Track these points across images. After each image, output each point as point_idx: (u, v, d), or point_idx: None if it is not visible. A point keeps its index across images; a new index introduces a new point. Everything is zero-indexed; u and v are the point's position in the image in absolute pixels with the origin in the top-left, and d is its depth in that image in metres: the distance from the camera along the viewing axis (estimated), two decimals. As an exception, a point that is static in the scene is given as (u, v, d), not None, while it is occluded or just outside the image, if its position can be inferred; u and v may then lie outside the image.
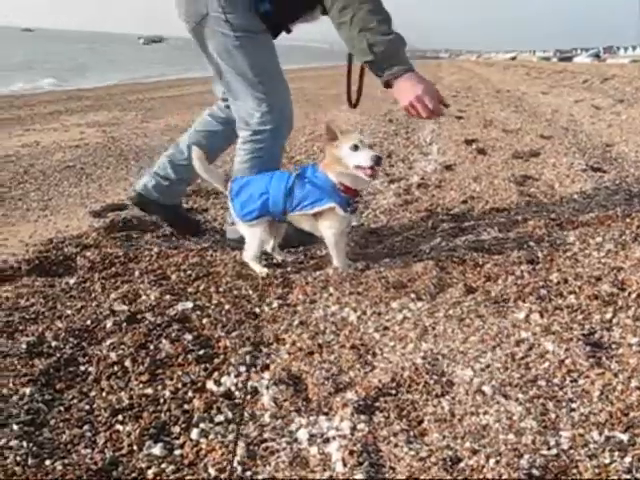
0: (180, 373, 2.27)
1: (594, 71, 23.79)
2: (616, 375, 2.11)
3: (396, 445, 1.82)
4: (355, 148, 2.92)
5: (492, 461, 1.71)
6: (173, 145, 3.72)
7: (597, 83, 17.09)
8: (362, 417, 1.95)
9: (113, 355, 2.37)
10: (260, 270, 3.18)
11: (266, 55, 3.28)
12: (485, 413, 1.95)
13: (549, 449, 1.77)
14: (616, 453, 1.74)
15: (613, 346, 2.31)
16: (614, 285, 2.78)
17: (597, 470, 1.68)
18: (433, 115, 3.00)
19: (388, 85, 2.99)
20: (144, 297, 2.88)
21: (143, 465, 1.79)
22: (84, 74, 25.15)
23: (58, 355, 2.37)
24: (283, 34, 3.44)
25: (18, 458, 1.78)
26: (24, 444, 1.84)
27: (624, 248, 3.21)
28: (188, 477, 1.75)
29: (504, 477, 1.64)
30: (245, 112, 3.29)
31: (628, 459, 1.72)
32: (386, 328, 2.55)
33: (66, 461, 1.79)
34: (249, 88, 3.23)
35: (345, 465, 1.75)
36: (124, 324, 2.62)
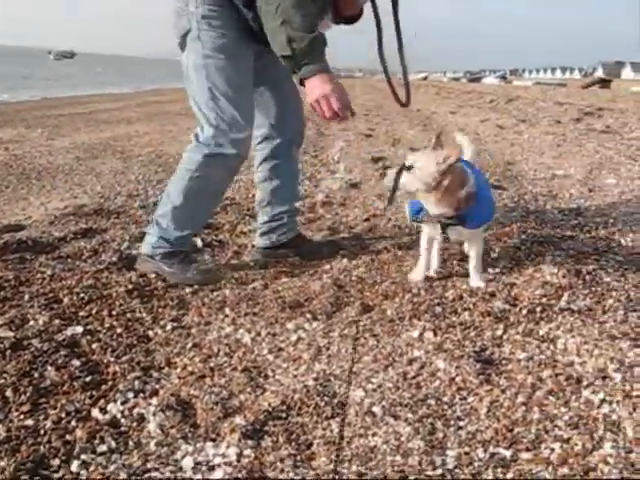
0: (64, 402, 2.16)
1: (500, 92, 24.63)
2: (504, 391, 2.14)
3: (282, 470, 1.78)
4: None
5: (377, 484, 1.69)
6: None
7: (502, 104, 17.70)
8: (249, 442, 1.90)
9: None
10: None
11: (231, 79, 3.08)
12: (374, 435, 1.93)
13: (434, 469, 1.77)
14: (499, 470, 1.76)
15: (503, 362, 2.34)
16: (507, 301, 2.83)
17: (480, 489, 1.68)
18: (336, 117, 2.91)
19: (302, 83, 2.89)
20: (32, 322, 2.75)
21: (17, 503, 1.69)
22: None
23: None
24: None
25: None
26: None
27: (518, 264, 3.28)
28: (64, 516, 1.65)
29: (388, 500, 1.62)
30: (200, 127, 3.17)
31: (510, 475, 1.73)
32: (280, 349, 2.51)
33: None
34: (207, 110, 3.10)
35: (228, 494, 1.69)
36: (8, 351, 2.49)
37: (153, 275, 3.30)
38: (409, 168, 2.83)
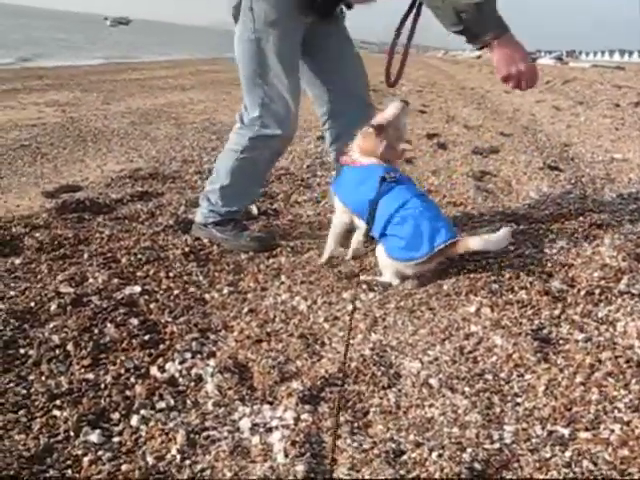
0: (123, 358, 2.22)
1: (556, 73, 24.06)
2: (562, 370, 2.12)
3: (339, 436, 1.80)
4: None
5: (435, 454, 1.70)
6: None
7: (559, 85, 17.30)
8: (307, 407, 1.93)
9: (55, 338, 2.31)
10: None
11: (282, 55, 3.00)
12: (431, 406, 1.94)
13: (492, 443, 1.77)
14: (557, 447, 1.75)
15: (560, 342, 2.32)
16: (564, 282, 2.79)
17: (537, 464, 1.68)
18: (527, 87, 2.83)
19: (486, 46, 2.72)
20: (91, 280, 2.82)
21: (79, 452, 1.74)
22: (50, 53, 24.56)
23: (-3, 336, 2.29)
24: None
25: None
26: (-45, 427, 1.78)
27: (576, 245, 3.23)
28: (124, 465, 1.70)
29: (446, 471, 1.63)
30: (245, 107, 3.16)
31: (568, 453, 1.72)
32: (336, 318, 2.52)
33: (-1, 447, 1.72)
34: (253, 87, 3.06)
35: (287, 456, 1.72)
36: (69, 307, 2.55)
37: (207, 240, 3.34)
38: None
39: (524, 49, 2.76)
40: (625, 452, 1.72)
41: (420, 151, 6.25)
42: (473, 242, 2.74)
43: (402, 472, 1.65)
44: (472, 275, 2.87)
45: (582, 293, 2.68)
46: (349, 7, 3.24)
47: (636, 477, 1.63)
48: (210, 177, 3.45)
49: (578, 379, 2.06)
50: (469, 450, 1.72)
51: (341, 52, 3.29)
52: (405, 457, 1.71)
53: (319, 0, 2.96)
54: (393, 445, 1.76)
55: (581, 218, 3.73)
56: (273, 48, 2.98)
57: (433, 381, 2.06)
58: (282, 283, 2.85)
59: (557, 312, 2.52)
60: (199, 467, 1.70)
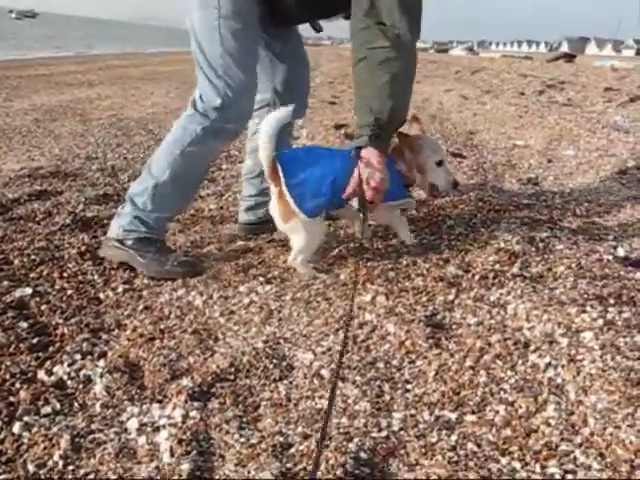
0: (9, 363, 2.12)
1: (466, 63, 24.63)
2: (452, 355, 2.14)
3: (227, 432, 1.77)
4: (439, 164, 2.94)
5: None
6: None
7: (468, 74, 17.69)
8: (196, 404, 1.89)
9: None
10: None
11: (245, 44, 2.80)
12: (321, 397, 1.93)
13: (380, 431, 1.77)
14: (443, 432, 1.77)
15: (453, 326, 2.35)
16: (460, 267, 2.83)
17: (423, 450, 1.69)
18: (373, 195, 2.69)
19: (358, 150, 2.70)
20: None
21: (-46, 466, 1.65)
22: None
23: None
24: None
25: None
26: None
27: (473, 231, 3.29)
28: (3, 476, 1.62)
29: (331, 462, 1.62)
30: (200, 96, 2.82)
31: (454, 437, 1.74)
32: (232, 312, 2.48)
33: None
34: (216, 76, 2.77)
35: (172, 455, 1.68)
36: (-49, 313, 2.43)
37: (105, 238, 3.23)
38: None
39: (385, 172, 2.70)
40: (508, 432, 1.76)
41: (327, 142, 6.25)
42: None
43: (289, 465, 1.63)
44: (369, 264, 2.89)
45: (476, 277, 2.72)
46: (317, 30, 3.17)
47: (516, 455, 1.66)
48: (139, 177, 3.00)
49: (468, 363, 2.09)
50: (356, 440, 1.72)
51: (293, 45, 3.24)
52: (293, 450, 1.70)
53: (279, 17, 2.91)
54: (281, 438, 1.74)
55: (480, 204, 3.81)
56: (238, 36, 2.77)
57: (324, 372, 2.05)
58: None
59: (451, 297, 2.56)
60: (82, 472, 1.64)
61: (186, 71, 16.93)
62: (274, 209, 2.77)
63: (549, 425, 1.77)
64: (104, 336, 2.34)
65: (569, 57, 34.76)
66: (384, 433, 1.76)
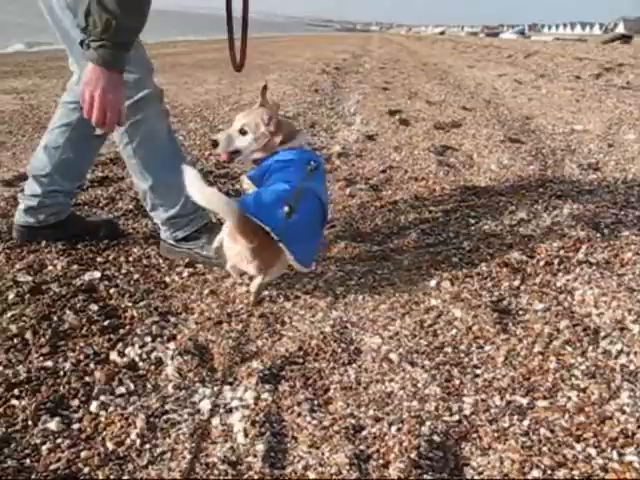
0: (83, 344, 2.18)
1: (518, 47, 24.23)
2: (520, 341, 2.14)
3: (299, 414, 1.79)
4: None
5: (394, 428, 1.70)
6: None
7: (521, 58, 17.41)
8: (267, 386, 1.91)
9: (13, 327, 2.26)
10: None
11: None
12: (391, 381, 1.94)
13: (451, 415, 1.77)
14: (515, 417, 1.76)
15: (520, 312, 2.34)
16: (524, 253, 2.81)
17: (496, 434, 1.69)
18: (97, 117, 2.33)
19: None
20: (50, 267, 2.76)
21: (37, 441, 1.71)
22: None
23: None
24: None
25: None
26: None
27: (535, 217, 3.25)
28: (84, 452, 1.67)
29: (405, 444, 1.63)
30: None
31: (526, 422, 1.74)
32: (297, 297, 2.50)
33: (-45, 439, 1.69)
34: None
35: (246, 436, 1.71)
36: (27, 295, 2.50)
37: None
38: (242, 131, 2.64)
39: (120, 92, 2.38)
40: (581, 418, 1.74)
41: (382, 128, 6.23)
42: None
43: (362, 447, 1.65)
44: (432, 249, 2.88)
45: (541, 264, 2.70)
46: None
47: (591, 442, 1.65)
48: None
49: (537, 349, 2.08)
50: (428, 423, 1.72)
51: None
52: (365, 432, 1.71)
53: None
54: (353, 421, 1.75)
55: (541, 189, 3.77)
56: None
57: (393, 356, 2.06)
58: (242, 263, 2.82)
59: (517, 283, 2.54)
60: (159, 450, 1.68)
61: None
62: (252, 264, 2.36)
63: (624, 412, 1.76)
64: (172, 319, 2.38)
65: (626, 38, 33.93)
66: (456, 417, 1.76)
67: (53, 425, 1.77)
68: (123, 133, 2.71)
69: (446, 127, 6.15)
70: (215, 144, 2.69)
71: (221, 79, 11.14)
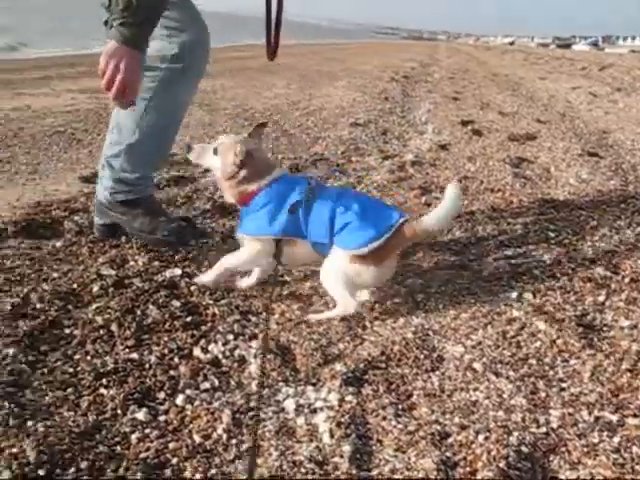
0: (167, 339, 2.23)
1: (592, 59, 23.76)
2: (607, 357, 2.10)
3: (384, 418, 1.80)
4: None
5: (481, 437, 1.69)
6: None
7: (595, 71, 17.08)
8: (350, 389, 1.93)
9: (99, 319, 2.32)
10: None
11: None
12: (475, 389, 1.93)
13: (538, 427, 1.76)
14: (605, 433, 1.73)
15: (605, 328, 2.30)
16: (608, 269, 2.76)
17: (586, 449, 1.67)
18: (116, 94, 2.39)
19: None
20: (132, 263, 2.83)
21: (127, 429, 1.75)
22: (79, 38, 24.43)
23: (43, 317, 2.31)
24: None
25: (-1, 418, 1.74)
26: (6, 404, 1.80)
27: (618, 232, 3.19)
28: (172, 443, 1.71)
29: (493, 453, 1.62)
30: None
31: (617, 439, 1.71)
32: (377, 302, 2.51)
33: (48, 423, 1.74)
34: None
35: (332, 436, 1.72)
36: (111, 289, 2.57)
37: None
38: (215, 152, 2.57)
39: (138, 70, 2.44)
40: (675, 439, 1.70)
41: (455, 137, 6.20)
42: (429, 220, 2.39)
43: (448, 454, 1.65)
44: (512, 261, 2.86)
45: (626, 280, 2.65)
46: None
47: (687, 464, 1.61)
48: (110, 137, 2.98)
49: (624, 366, 2.04)
50: (515, 434, 1.71)
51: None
52: (451, 439, 1.71)
53: None
54: (438, 427, 1.75)
55: (623, 205, 3.70)
56: None
57: (477, 365, 2.05)
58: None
59: (601, 299, 2.50)
60: (245, 446, 1.71)
61: (302, 63, 17.21)
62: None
63: None
64: (253, 319, 2.41)
65: None
66: (543, 429, 1.74)
67: (141, 415, 1.81)
68: (151, 87, 2.79)
69: (520, 139, 6.08)
70: (188, 149, 2.65)
71: (289, 84, 11.26)
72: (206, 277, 2.61)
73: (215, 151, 2.56)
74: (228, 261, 2.57)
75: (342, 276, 2.35)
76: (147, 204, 3.00)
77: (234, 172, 2.50)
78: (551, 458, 1.64)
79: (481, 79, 13.99)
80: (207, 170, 2.78)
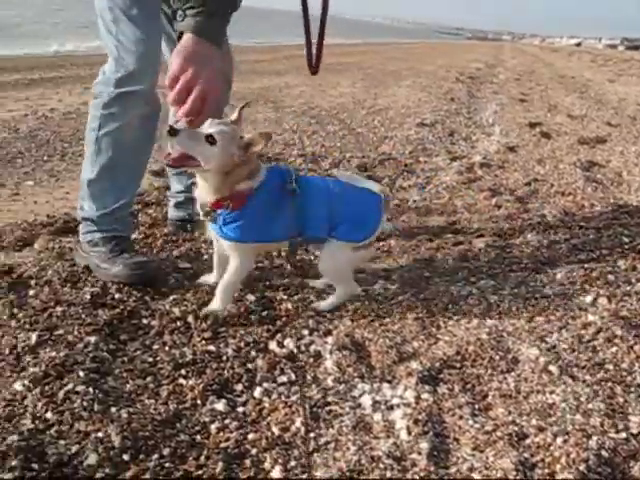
0: (243, 332, 2.28)
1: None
2: (688, 365, 2.06)
3: (461, 417, 1.81)
4: None
5: (560, 439, 1.69)
6: None
7: (665, 73, 16.61)
8: (426, 387, 1.95)
9: (176, 311, 2.39)
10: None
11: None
12: (552, 392, 1.92)
13: (618, 432, 1.74)
14: (690, 441, 1.71)
15: (684, 336, 2.26)
16: (686, 276, 2.71)
17: (670, 458, 1.65)
18: (191, 109, 2.10)
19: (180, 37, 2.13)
20: (205, 257, 2.90)
21: (206, 419, 1.81)
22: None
23: (121, 307, 2.40)
24: None
25: (85, 403, 1.82)
26: (90, 390, 1.88)
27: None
28: (251, 434, 1.76)
29: (572, 456, 1.62)
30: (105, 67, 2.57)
31: (699, 448, 1.68)
32: (451, 302, 2.52)
33: (131, 409, 1.81)
34: (109, 38, 2.50)
35: (410, 433, 1.75)
36: (186, 281, 2.64)
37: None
38: (211, 140, 2.14)
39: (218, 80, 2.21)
40: None
41: (523, 140, 6.14)
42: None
43: (526, 455, 1.65)
44: (586, 265, 2.83)
45: None
46: None
47: None
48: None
49: None
50: (595, 438, 1.70)
51: None
52: (528, 441, 1.71)
53: None
54: (515, 428, 1.76)
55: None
56: None
57: (553, 368, 2.04)
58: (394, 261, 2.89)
59: (681, 306, 2.46)
60: (323, 440, 1.74)
61: (366, 62, 17.20)
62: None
63: None
64: (327, 315, 2.45)
65: None
66: (623, 435, 1.73)
67: (221, 406, 1.87)
68: (97, 116, 2.59)
69: (590, 142, 5.99)
70: (174, 132, 2.11)
71: (354, 83, 11.30)
72: (214, 305, 2.41)
73: (210, 139, 2.13)
74: (228, 282, 2.39)
75: (346, 265, 2.46)
76: (114, 242, 2.67)
77: (233, 167, 2.21)
78: (631, 464, 1.63)
79: (548, 81, 13.76)
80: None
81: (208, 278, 2.63)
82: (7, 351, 2.06)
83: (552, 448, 1.67)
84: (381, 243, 3.13)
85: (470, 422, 1.79)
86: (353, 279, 2.52)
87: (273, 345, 2.21)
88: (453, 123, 7.08)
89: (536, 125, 6.99)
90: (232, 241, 2.32)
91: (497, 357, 2.11)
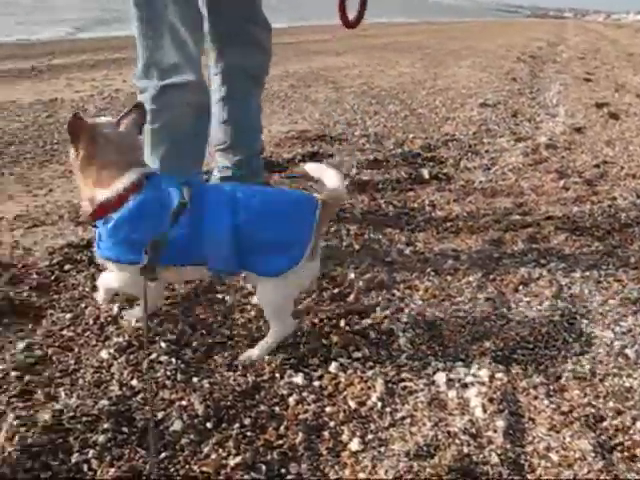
0: (316, 309, 2.30)
1: None
2: None
3: (535, 397, 1.82)
4: None
5: (639, 423, 1.69)
6: None
7: None
8: (500, 367, 1.95)
9: (249, 286, 2.42)
10: None
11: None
12: (629, 376, 1.92)
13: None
14: None
15: None
16: None
17: None
18: None
19: None
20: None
21: (284, 392, 1.85)
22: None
23: (197, 282, 2.44)
24: None
25: (168, 373, 1.88)
26: (173, 360, 1.94)
27: None
28: (328, 407, 1.79)
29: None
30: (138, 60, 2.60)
31: None
32: (521, 283, 2.51)
33: (212, 380, 1.87)
34: (140, 36, 2.53)
35: (485, 411, 1.76)
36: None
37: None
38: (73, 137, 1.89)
39: None
40: None
41: (589, 121, 6.01)
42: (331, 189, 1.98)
43: (604, 437, 1.65)
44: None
45: None
46: None
47: None
48: None
49: None
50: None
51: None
52: (606, 423, 1.71)
53: None
54: (592, 410, 1.76)
55: None
56: None
57: (629, 351, 2.03)
58: (462, 241, 2.92)
59: None
60: (399, 415, 1.77)
61: (425, 42, 16.99)
62: None
63: None
64: (397, 293, 2.46)
65: None
66: None
67: (299, 379, 1.90)
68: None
69: (663, 124, 5.83)
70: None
71: (414, 63, 11.18)
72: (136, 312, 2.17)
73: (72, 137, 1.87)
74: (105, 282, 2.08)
75: (283, 301, 1.99)
76: None
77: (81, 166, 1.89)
78: None
79: (614, 59, 13.39)
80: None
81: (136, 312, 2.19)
82: (91, 321, 2.14)
83: (631, 432, 1.67)
84: (449, 224, 3.12)
85: (545, 402, 1.80)
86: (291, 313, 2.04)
87: (344, 322, 2.24)
88: (516, 104, 6.96)
89: (603, 105, 6.82)
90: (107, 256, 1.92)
91: (570, 339, 2.11)
